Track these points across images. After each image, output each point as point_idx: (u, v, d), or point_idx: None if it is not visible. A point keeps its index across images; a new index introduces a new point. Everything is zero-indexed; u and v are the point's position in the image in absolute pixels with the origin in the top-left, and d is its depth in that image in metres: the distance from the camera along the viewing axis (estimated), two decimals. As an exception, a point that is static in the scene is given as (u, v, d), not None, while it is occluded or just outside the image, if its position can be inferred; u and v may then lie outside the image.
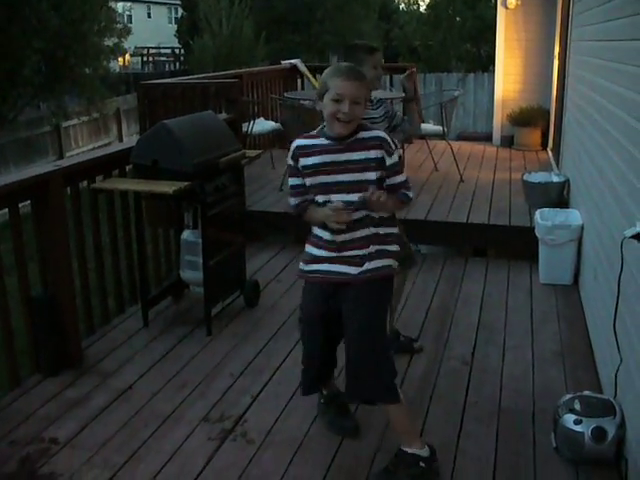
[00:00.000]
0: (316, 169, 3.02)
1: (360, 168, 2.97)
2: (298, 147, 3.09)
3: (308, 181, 3.06)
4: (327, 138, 3.02)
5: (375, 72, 3.95)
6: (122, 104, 20.80)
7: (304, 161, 3.04)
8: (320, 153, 3.01)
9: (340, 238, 3.04)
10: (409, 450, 3.12)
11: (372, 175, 2.97)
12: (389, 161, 2.98)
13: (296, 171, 3.09)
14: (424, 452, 3.13)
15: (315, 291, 3.23)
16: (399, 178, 3.05)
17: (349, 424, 3.50)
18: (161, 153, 4.27)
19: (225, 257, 4.72)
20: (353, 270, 3.05)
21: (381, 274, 3.07)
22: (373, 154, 2.96)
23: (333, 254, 3.08)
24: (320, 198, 3.06)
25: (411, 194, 3.11)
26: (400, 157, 3.05)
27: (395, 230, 3.18)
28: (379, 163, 2.97)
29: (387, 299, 3.21)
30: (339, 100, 2.88)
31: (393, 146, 2.99)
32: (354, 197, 2.97)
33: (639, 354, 3.04)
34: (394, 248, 3.13)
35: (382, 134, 3.01)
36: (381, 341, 3.11)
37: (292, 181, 3.15)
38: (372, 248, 3.05)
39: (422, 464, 3.11)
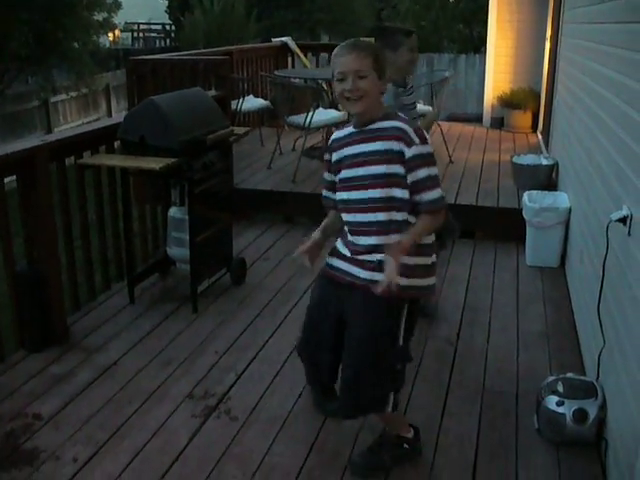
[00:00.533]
0: (340, 163, 2.86)
1: (381, 160, 2.71)
2: (333, 140, 2.93)
3: (337, 177, 2.90)
4: (354, 126, 2.84)
5: (411, 55, 3.92)
6: (112, 80, 20.64)
7: (335, 155, 2.89)
8: (346, 145, 2.84)
9: (360, 241, 2.84)
10: (394, 432, 3.14)
11: (398, 169, 2.70)
12: (408, 154, 2.67)
13: (329, 165, 2.94)
14: (409, 434, 3.15)
15: (325, 285, 3.04)
16: (422, 173, 2.69)
17: (331, 407, 3.41)
18: (148, 129, 4.24)
19: (212, 234, 4.70)
20: (363, 274, 2.81)
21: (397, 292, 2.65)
22: (394, 145, 2.69)
23: (349, 254, 2.88)
24: (339, 195, 2.88)
25: (437, 194, 2.72)
26: (426, 152, 2.71)
27: (425, 261, 2.84)
28: (400, 156, 2.68)
29: (397, 320, 2.85)
30: (343, 79, 2.69)
31: (415, 138, 2.68)
32: (375, 193, 2.74)
33: (622, 337, 3.06)
34: (419, 271, 2.82)
35: (401, 124, 2.72)
36: (384, 355, 2.87)
37: (325, 175, 2.98)
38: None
39: (406, 445, 3.13)
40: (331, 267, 2.96)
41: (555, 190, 6.12)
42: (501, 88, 10.08)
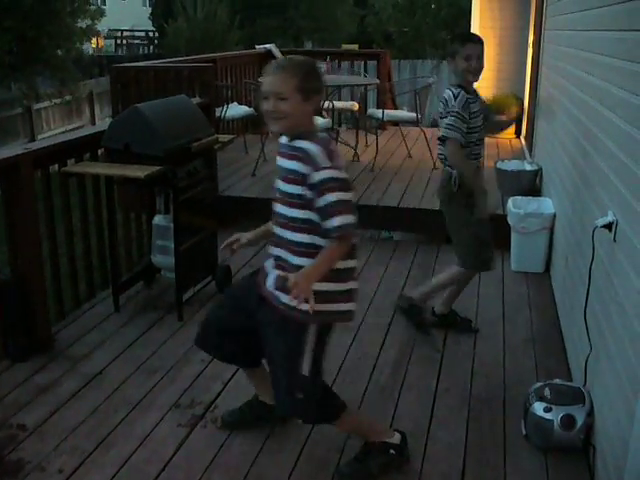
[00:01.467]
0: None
1: (292, 179, 2.67)
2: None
3: None
4: (287, 138, 2.81)
5: (466, 64, 3.89)
6: (95, 87, 20.61)
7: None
8: (278, 154, 2.83)
9: (274, 252, 2.86)
10: (377, 439, 3.13)
11: (297, 189, 2.65)
12: (314, 178, 2.59)
13: None
14: (394, 439, 3.14)
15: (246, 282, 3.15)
16: (329, 197, 2.58)
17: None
18: (133, 137, 4.23)
19: (197, 242, 4.69)
20: (271, 287, 2.84)
21: (282, 311, 2.75)
22: (302, 168, 2.63)
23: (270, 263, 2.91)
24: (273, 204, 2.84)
25: (344, 220, 2.59)
26: (336, 176, 2.60)
27: (339, 287, 2.79)
28: (304, 179, 2.62)
29: (298, 346, 2.78)
30: (266, 98, 2.67)
31: (323, 162, 2.60)
32: (293, 212, 2.70)
33: (609, 343, 3.06)
34: (331, 297, 2.76)
35: (312, 146, 2.64)
36: (285, 377, 2.85)
37: None
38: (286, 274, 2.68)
39: (392, 451, 3.12)
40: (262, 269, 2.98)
41: (539, 196, 6.14)
42: (484, 94, 10.06)
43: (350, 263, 2.81)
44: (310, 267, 2.62)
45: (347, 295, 2.84)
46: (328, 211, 2.60)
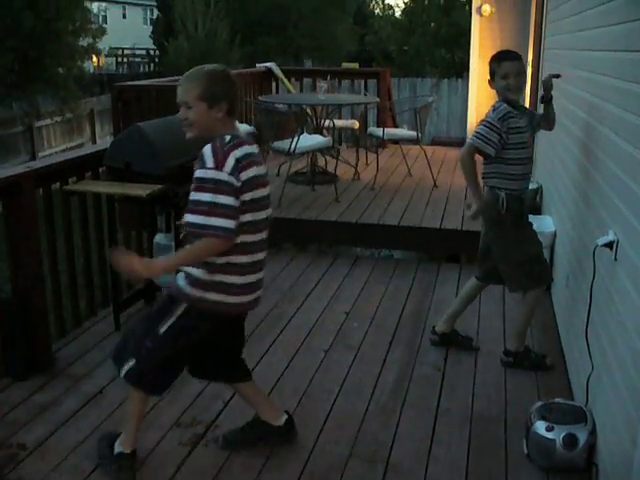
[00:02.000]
0: None
1: (194, 187, 2.80)
2: None
3: None
4: None
5: (505, 83, 3.90)
6: (96, 105, 20.68)
7: None
8: None
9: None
10: (116, 450, 3.19)
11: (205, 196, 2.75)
12: (195, 175, 2.78)
13: None
14: (126, 449, 3.19)
15: None
16: (193, 195, 2.76)
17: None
18: (134, 156, 4.24)
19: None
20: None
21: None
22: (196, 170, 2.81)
23: None
24: None
25: (196, 219, 2.74)
26: (208, 177, 2.73)
27: (205, 276, 2.90)
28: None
29: (168, 314, 3.00)
30: (180, 107, 2.89)
31: (208, 162, 2.75)
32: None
33: (611, 361, 3.06)
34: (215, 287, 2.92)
35: (205, 148, 2.81)
36: (143, 328, 3.10)
37: None
38: None
39: (120, 462, 3.18)
40: None
41: (539, 214, 6.14)
42: (484, 112, 10.01)
43: (242, 259, 2.92)
44: (164, 259, 3.03)
45: (234, 289, 2.94)
46: (188, 207, 2.77)
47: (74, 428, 3.57)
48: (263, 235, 2.99)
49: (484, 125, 3.92)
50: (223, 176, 2.73)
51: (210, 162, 2.75)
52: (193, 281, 2.91)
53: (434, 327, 4.51)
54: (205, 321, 3.00)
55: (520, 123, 3.93)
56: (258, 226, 2.93)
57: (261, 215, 2.93)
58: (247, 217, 2.84)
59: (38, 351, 4.09)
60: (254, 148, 2.92)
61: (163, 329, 2.97)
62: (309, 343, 4.57)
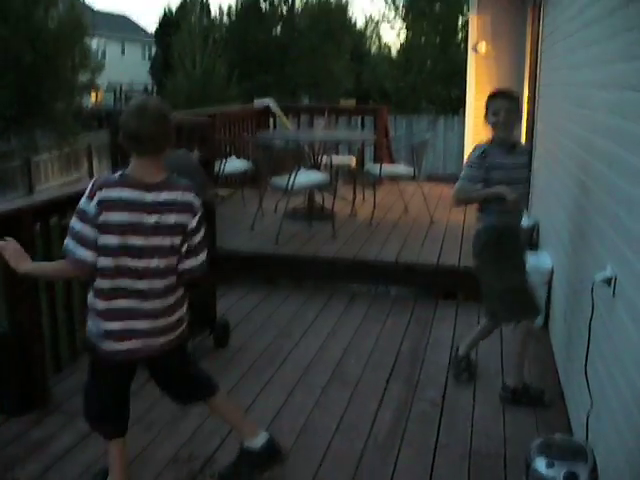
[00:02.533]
0: None
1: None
2: None
3: None
4: None
5: (494, 119, 4.00)
6: (93, 140, 20.74)
7: None
8: None
9: None
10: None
11: None
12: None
13: None
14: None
15: None
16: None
17: None
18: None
19: (195, 296, 4.67)
20: None
21: None
22: None
23: None
24: None
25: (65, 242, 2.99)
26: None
27: (89, 322, 3.08)
28: None
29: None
30: None
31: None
32: None
33: (610, 399, 3.05)
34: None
35: None
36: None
37: None
38: None
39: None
40: None
41: (536, 250, 6.15)
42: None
43: (96, 304, 3.01)
44: (34, 263, 3.11)
45: (95, 331, 2.99)
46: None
47: (70, 464, 3.54)
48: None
49: (468, 166, 4.09)
50: (82, 204, 2.92)
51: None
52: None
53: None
54: (101, 366, 3.10)
55: (503, 159, 4.02)
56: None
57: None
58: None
59: (34, 387, 4.07)
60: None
61: (88, 377, 3.14)
62: (306, 380, 4.55)
